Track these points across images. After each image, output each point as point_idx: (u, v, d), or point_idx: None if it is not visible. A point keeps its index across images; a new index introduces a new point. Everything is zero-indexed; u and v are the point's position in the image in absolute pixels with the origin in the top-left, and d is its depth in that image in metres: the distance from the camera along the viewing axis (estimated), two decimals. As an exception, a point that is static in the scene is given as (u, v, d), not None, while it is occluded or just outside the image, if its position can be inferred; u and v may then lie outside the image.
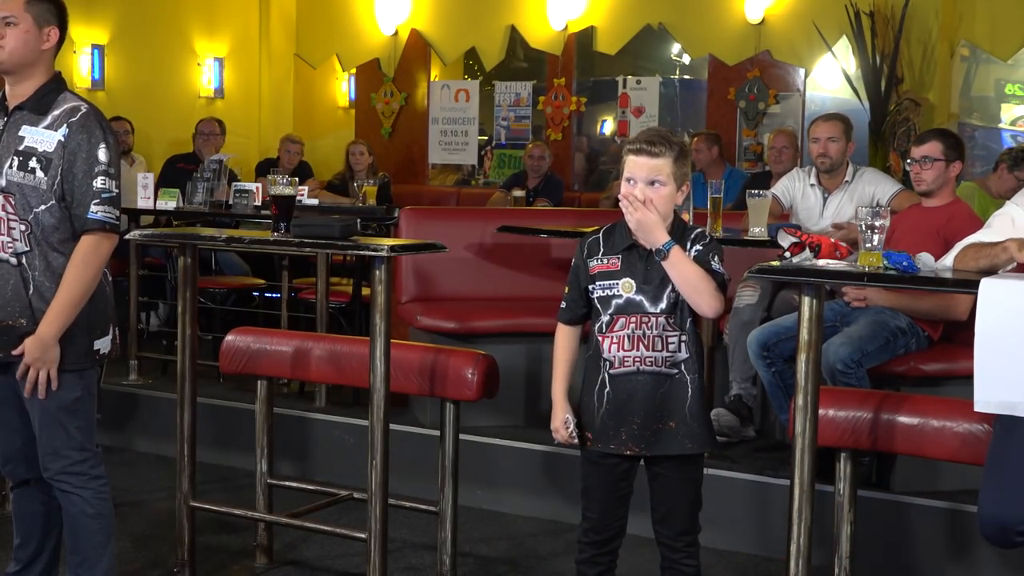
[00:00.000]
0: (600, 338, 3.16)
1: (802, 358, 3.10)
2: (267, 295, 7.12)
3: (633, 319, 3.11)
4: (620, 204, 3.12)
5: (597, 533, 3.22)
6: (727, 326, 5.05)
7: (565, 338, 3.29)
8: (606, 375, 3.14)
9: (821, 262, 3.08)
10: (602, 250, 3.20)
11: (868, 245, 3.07)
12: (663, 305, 3.10)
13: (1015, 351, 2.67)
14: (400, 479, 4.73)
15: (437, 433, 4.00)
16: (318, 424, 5.43)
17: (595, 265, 3.19)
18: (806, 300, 3.09)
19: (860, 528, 3.53)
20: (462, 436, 3.99)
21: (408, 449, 5.03)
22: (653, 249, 3.08)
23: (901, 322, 4.44)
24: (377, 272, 3.54)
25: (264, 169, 8.10)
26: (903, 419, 3.39)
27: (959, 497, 4.21)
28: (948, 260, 3.24)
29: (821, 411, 3.21)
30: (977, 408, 2.76)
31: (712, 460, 4.69)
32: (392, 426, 3.70)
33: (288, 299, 6.50)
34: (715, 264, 3.11)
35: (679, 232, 3.14)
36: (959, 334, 4.46)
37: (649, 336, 3.11)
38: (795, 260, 3.12)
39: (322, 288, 5.92)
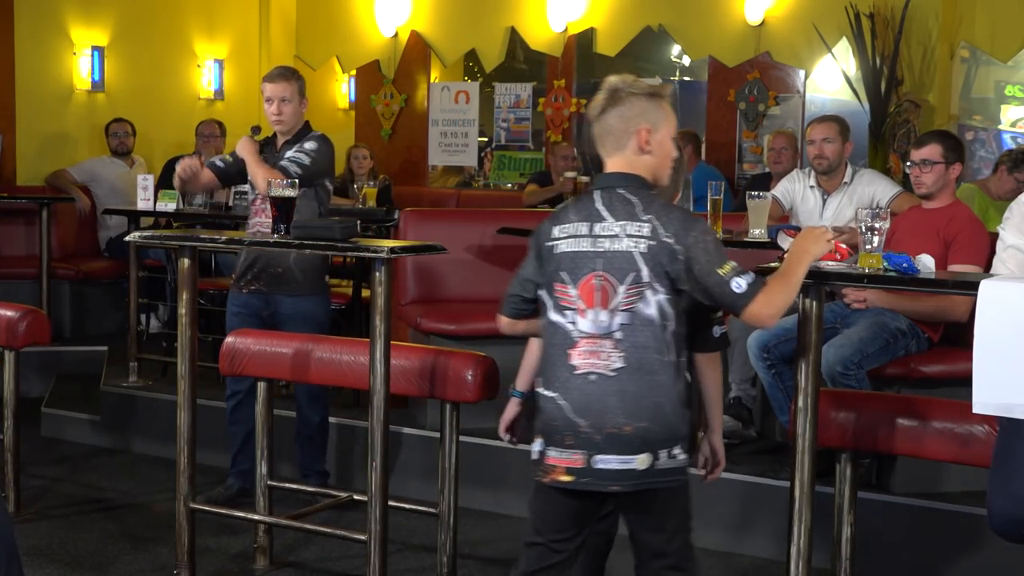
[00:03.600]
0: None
1: (802, 360, 3.10)
2: (267, 297, 7.09)
3: None
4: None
5: None
6: (727, 328, 5.04)
7: None
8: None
9: (821, 264, 3.08)
10: None
11: (868, 247, 3.07)
12: None
13: (1014, 353, 2.67)
14: (400, 481, 4.74)
15: (437, 435, 4.00)
16: (318, 426, 5.41)
17: None
18: (806, 302, 3.09)
19: (860, 530, 3.52)
20: (462, 438, 3.99)
21: (408, 451, 5.03)
22: None
23: (901, 324, 4.44)
24: (377, 274, 3.53)
25: (264, 171, 8.08)
26: (903, 420, 3.39)
27: (959, 499, 4.21)
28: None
29: (821, 413, 3.21)
30: (976, 410, 2.75)
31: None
32: (392, 428, 3.71)
33: (288, 301, 6.48)
34: None
35: None
36: (959, 336, 4.46)
37: None
38: (795, 262, 3.12)
39: (322, 290, 5.90)
